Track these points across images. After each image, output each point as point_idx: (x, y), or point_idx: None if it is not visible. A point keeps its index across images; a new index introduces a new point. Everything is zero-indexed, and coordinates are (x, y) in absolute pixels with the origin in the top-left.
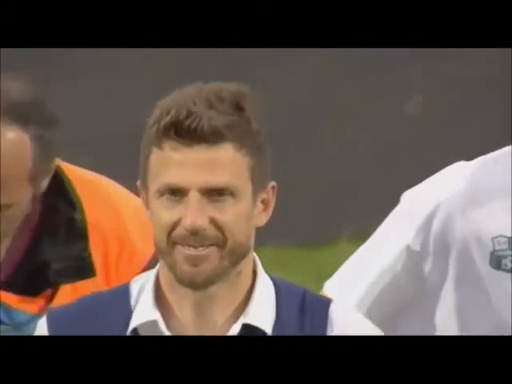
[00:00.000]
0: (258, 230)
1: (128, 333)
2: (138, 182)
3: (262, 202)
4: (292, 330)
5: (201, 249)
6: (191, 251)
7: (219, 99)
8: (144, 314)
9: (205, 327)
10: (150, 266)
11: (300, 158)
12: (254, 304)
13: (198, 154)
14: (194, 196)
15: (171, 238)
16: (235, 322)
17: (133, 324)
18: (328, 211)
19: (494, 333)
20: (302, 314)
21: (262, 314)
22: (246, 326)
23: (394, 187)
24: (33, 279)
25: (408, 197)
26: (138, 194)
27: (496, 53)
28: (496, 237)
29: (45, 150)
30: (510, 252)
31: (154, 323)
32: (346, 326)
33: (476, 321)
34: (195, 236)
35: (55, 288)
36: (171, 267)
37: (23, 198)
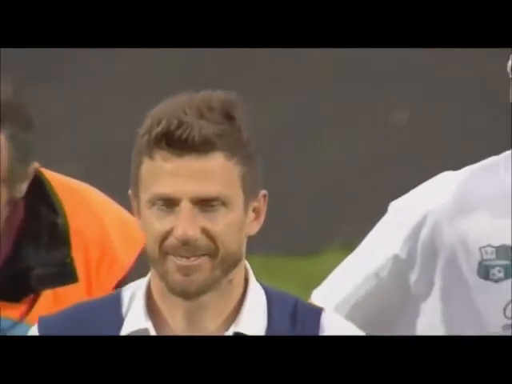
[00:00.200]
0: (247, 238)
1: None
2: (130, 192)
3: (254, 210)
4: None
5: (193, 259)
6: (183, 261)
7: (209, 108)
8: (135, 322)
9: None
10: (131, 273)
11: (290, 168)
12: (246, 312)
13: (189, 163)
14: (185, 206)
15: (163, 248)
16: (226, 330)
17: (124, 332)
18: (318, 221)
19: None
20: (293, 323)
21: (253, 323)
22: (237, 335)
23: (384, 197)
24: (14, 285)
25: (395, 206)
26: (130, 203)
27: (496, 53)
28: (484, 246)
29: (21, 151)
30: (497, 262)
31: (145, 331)
32: (337, 334)
33: (463, 330)
34: (187, 246)
35: (37, 294)
36: (163, 277)
37: None
